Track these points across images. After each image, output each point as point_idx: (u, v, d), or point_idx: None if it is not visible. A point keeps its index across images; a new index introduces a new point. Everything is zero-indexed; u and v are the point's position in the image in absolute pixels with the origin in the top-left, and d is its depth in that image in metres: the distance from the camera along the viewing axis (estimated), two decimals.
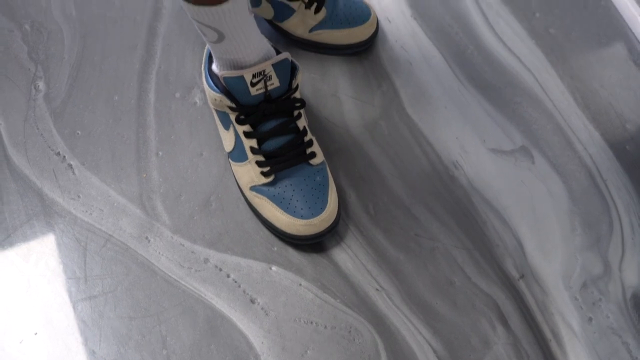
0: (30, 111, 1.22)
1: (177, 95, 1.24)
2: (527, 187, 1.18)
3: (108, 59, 1.28)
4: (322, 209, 1.09)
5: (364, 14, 1.28)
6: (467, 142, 1.21)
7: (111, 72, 1.27)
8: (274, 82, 1.05)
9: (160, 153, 1.19)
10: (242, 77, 1.03)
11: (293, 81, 1.08)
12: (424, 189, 1.17)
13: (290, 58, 1.07)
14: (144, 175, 1.16)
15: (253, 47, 1.04)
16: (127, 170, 1.17)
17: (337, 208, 1.11)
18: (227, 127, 1.13)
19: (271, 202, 1.10)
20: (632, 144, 1.22)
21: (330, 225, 1.09)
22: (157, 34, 1.32)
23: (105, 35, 1.31)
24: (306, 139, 1.12)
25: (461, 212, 1.15)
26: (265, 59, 1.05)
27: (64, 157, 1.17)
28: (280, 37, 1.30)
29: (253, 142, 1.09)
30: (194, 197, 1.15)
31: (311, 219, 1.07)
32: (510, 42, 1.32)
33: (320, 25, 1.27)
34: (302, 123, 1.11)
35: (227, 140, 1.14)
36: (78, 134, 1.20)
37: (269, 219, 1.11)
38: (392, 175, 1.18)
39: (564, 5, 1.37)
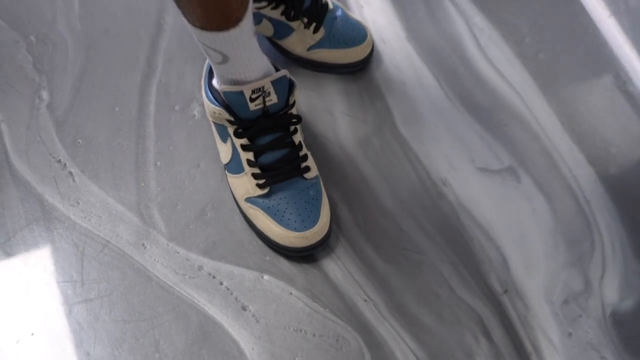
0: (33, 120, 1.24)
1: (177, 107, 1.26)
2: (513, 205, 1.19)
3: (110, 72, 1.29)
4: (315, 222, 1.10)
5: (360, 35, 1.29)
6: (456, 161, 1.22)
7: (113, 84, 1.28)
8: (272, 99, 1.07)
9: (159, 163, 1.20)
10: (241, 93, 1.05)
11: (290, 98, 1.10)
12: (413, 204, 1.18)
13: (288, 75, 1.08)
14: (142, 184, 1.18)
15: (255, 66, 1.06)
16: (125, 179, 1.18)
17: (329, 221, 1.13)
18: (224, 140, 1.15)
19: (265, 214, 1.12)
20: (615, 167, 1.23)
21: (322, 238, 1.11)
22: (158, 48, 1.33)
23: (108, 48, 1.33)
24: (301, 153, 1.14)
25: (448, 227, 1.16)
26: (265, 76, 1.07)
27: (65, 164, 1.19)
28: (279, 54, 1.31)
29: (250, 155, 1.11)
30: (190, 206, 1.16)
31: (304, 232, 1.09)
32: (500, 65, 1.33)
33: (318, 45, 1.28)
34: (297, 138, 1.13)
35: (224, 152, 1.16)
36: (79, 142, 1.22)
37: (262, 230, 1.12)
38: (382, 191, 1.19)
39: (553, 32, 1.38)
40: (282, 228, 1.11)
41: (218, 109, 1.10)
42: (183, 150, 1.22)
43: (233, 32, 0.96)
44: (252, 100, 1.06)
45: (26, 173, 1.19)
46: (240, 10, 0.95)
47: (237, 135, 1.11)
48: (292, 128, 1.13)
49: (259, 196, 1.13)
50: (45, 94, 1.27)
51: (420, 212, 1.18)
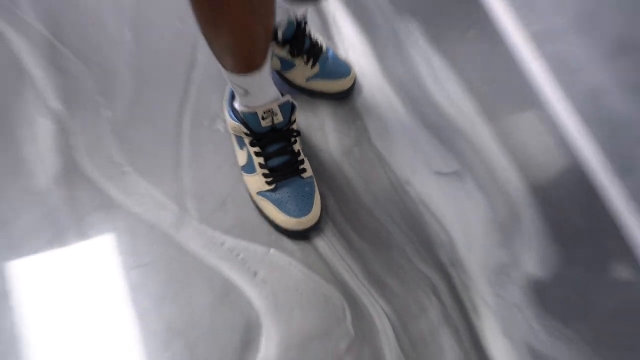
0: (97, 130, 1.28)
1: (205, 123, 1.30)
2: (459, 200, 1.25)
3: (155, 95, 1.33)
4: (309, 211, 1.17)
5: (346, 71, 1.34)
6: (417, 166, 1.27)
7: (157, 105, 1.31)
8: (279, 117, 1.13)
9: (191, 165, 1.25)
10: (255, 113, 1.12)
11: (292, 117, 1.16)
12: (384, 198, 1.24)
13: (290, 100, 1.14)
14: (179, 181, 1.23)
15: (267, 95, 1.11)
16: (166, 177, 1.23)
17: (320, 210, 1.19)
18: (241, 148, 1.21)
19: (272, 204, 1.18)
20: (537, 174, 1.29)
21: (315, 223, 1.18)
22: (191, 78, 1.36)
23: (154, 77, 1.35)
24: (299, 158, 1.20)
25: (410, 216, 1.22)
26: (274, 100, 1.12)
27: (121, 164, 1.24)
28: (284, 83, 1.35)
29: (261, 160, 1.18)
30: (215, 198, 1.22)
31: (301, 218, 1.16)
32: (452, 95, 1.37)
33: (314, 77, 1.33)
34: (297, 147, 1.19)
35: (241, 157, 1.22)
36: (132, 148, 1.26)
37: (270, 216, 1.19)
38: (361, 188, 1.25)
39: (493, 71, 1.42)
40: (285, 215, 1.17)
41: (237, 125, 1.16)
42: (209, 155, 1.26)
43: (255, 76, 1.02)
44: (263, 118, 1.12)
45: (92, 171, 1.23)
46: (261, 60, 1.01)
47: (252, 144, 1.17)
48: (293, 139, 1.19)
49: (267, 191, 1.19)
50: (106, 111, 1.30)
51: (389, 205, 1.24)
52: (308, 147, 1.30)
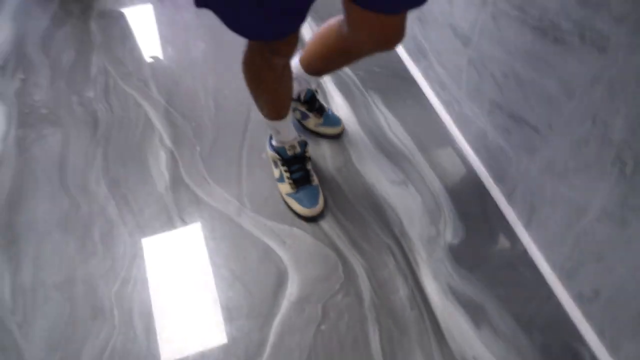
0: (192, 158, 1.23)
1: (256, 154, 1.26)
2: (407, 198, 1.18)
3: (226, 137, 1.29)
4: (316, 204, 1.12)
5: (338, 122, 1.30)
6: (380, 177, 1.22)
7: (227, 143, 1.27)
8: (297, 149, 1.10)
9: (247, 178, 1.21)
10: (284, 147, 1.09)
11: (306, 149, 1.13)
12: (361, 196, 1.18)
13: (304, 139, 1.11)
14: (240, 186, 1.19)
15: (290, 135, 1.08)
16: (232, 185, 1.19)
17: (323, 204, 1.14)
18: (276, 167, 1.17)
19: (295, 201, 1.13)
20: (451, 181, 1.22)
21: (320, 212, 1.13)
22: (247, 129, 1.31)
23: (226, 127, 1.31)
24: (311, 173, 1.15)
25: (376, 206, 1.16)
26: (294, 139, 1.09)
27: (205, 178, 1.20)
28: (301, 127, 1.31)
29: (288, 174, 1.13)
30: (261, 197, 1.17)
31: (311, 209, 1.11)
32: (399, 135, 1.31)
33: (320, 125, 1.29)
34: (309, 166, 1.15)
35: (276, 173, 1.17)
36: (212, 168, 1.21)
37: (293, 208, 1.13)
38: (348, 191, 1.20)
39: (422, 122, 1.35)
40: (302, 207, 1.12)
41: (274, 154, 1.13)
42: (258, 172, 1.22)
43: (282, 121, 1.00)
44: (288, 150, 1.09)
45: (189, 182, 1.19)
46: (286, 112, 0.99)
47: (282, 165, 1.13)
48: (306, 162, 1.15)
49: (291, 193, 1.14)
50: (197, 147, 1.27)
51: (364, 200, 1.18)
52: (315, 167, 1.24)
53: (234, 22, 0.68)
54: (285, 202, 1.16)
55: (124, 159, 1.22)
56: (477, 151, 1.23)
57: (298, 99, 1.21)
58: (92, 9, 1.57)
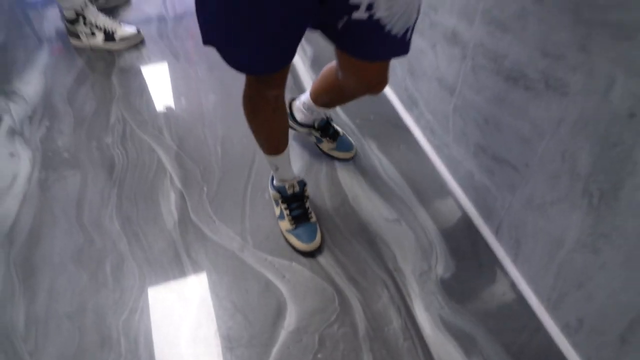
0: (200, 198, 1.29)
1: (259, 193, 1.32)
2: (398, 234, 1.23)
3: (232, 179, 1.35)
4: (314, 240, 1.17)
5: (350, 147, 1.39)
6: (375, 215, 1.26)
7: (232, 185, 1.33)
8: (297, 188, 1.16)
9: (250, 216, 1.26)
10: (284, 186, 1.15)
11: (305, 188, 1.19)
12: (357, 233, 1.23)
13: (303, 180, 1.17)
14: (243, 224, 1.25)
15: (290, 174, 1.14)
16: (236, 223, 1.25)
17: (320, 240, 1.18)
18: (277, 205, 1.22)
19: (294, 237, 1.17)
20: (441, 218, 1.26)
21: (317, 247, 1.17)
22: (252, 169, 1.37)
23: (231, 170, 1.38)
24: (309, 210, 1.20)
25: (371, 242, 1.21)
26: (293, 179, 1.16)
27: (212, 217, 1.26)
28: (318, 150, 1.39)
29: (287, 212, 1.18)
30: (262, 234, 1.22)
31: (309, 244, 1.16)
32: (393, 177, 1.37)
33: (333, 149, 1.38)
34: (307, 205, 1.20)
35: (277, 211, 1.22)
36: (217, 208, 1.27)
37: (292, 244, 1.18)
38: (344, 229, 1.24)
39: (415, 165, 1.40)
40: (300, 242, 1.17)
41: (275, 193, 1.19)
42: (261, 211, 1.28)
43: (280, 156, 1.06)
44: (288, 189, 1.15)
45: (196, 220, 1.25)
46: (283, 148, 1.06)
47: (283, 203, 1.19)
48: (305, 200, 1.20)
49: (290, 229, 1.18)
50: (204, 188, 1.33)
51: (359, 238, 1.23)
52: (314, 205, 1.29)
53: (232, 58, 0.78)
54: (285, 239, 1.20)
55: (137, 198, 1.30)
56: (465, 191, 1.30)
57: (312, 126, 1.31)
58: (115, 65, 1.72)
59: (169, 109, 1.57)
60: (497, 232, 1.18)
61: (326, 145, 1.37)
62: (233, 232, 1.23)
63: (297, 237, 1.17)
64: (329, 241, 1.22)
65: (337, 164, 1.41)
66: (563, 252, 0.95)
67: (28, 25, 1.84)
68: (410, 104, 1.50)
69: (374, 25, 0.74)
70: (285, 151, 1.09)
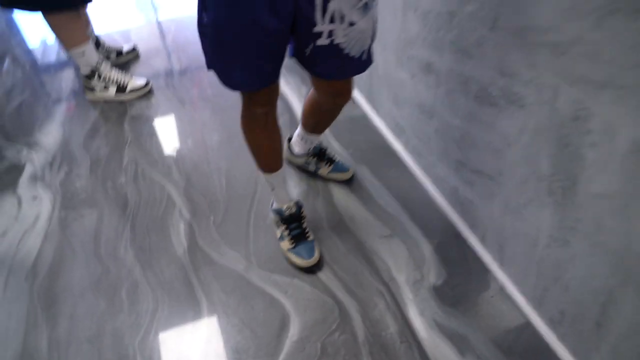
0: (207, 226, 1.37)
1: (261, 219, 1.39)
2: (392, 247, 1.28)
3: (236, 208, 1.42)
4: (313, 256, 1.23)
5: (346, 168, 1.47)
6: (370, 233, 1.33)
7: (237, 213, 1.41)
8: (294, 209, 1.25)
9: (254, 239, 1.33)
10: (282, 208, 1.24)
11: (302, 210, 1.27)
12: (354, 252, 1.29)
13: (299, 201, 1.25)
14: (247, 248, 1.32)
15: (286, 195, 1.22)
16: (241, 246, 1.32)
17: (319, 257, 1.24)
18: (277, 227, 1.29)
19: (294, 255, 1.24)
20: (433, 234, 1.32)
21: (316, 263, 1.23)
22: (255, 197, 1.44)
23: (236, 200, 1.44)
24: (307, 230, 1.26)
25: (367, 257, 1.27)
26: (290, 201, 1.24)
27: (218, 241, 1.33)
28: (316, 176, 1.47)
29: (287, 232, 1.25)
30: (265, 255, 1.29)
31: (308, 260, 1.22)
32: (387, 200, 1.42)
33: (330, 172, 1.45)
34: (305, 224, 1.27)
35: (278, 233, 1.29)
36: (224, 234, 1.36)
37: (293, 261, 1.24)
38: (342, 247, 1.30)
39: (403, 189, 1.49)
40: (300, 259, 1.23)
41: (275, 216, 1.27)
42: (263, 234, 1.34)
43: (275, 174, 1.16)
44: (286, 210, 1.23)
45: (203, 245, 1.33)
46: (277, 166, 1.16)
47: (282, 224, 1.27)
48: (302, 221, 1.27)
49: (290, 248, 1.25)
50: (211, 217, 1.41)
51: (356, 254, 1.29)
52: (313, 226, 1.35)
53: (225, 79, 0.95)
54: (286, 257, 1.26)
55: (149, 230, 1.40)
56: (452, 205, 1.38)
57: (307, 154, 1.42)
58: (127, 114, 1.88)
59: (176, 149, 1.69)
60: (483, 240, 1.27)
61: (324, 170, 1.45)
62: (238, 255, 1.29)
63: (297, 254, 1.24)
64: (327, 258, 1.28)
65: (333, 189, 1.48)
66: (539, 250, 1.04)
67: (46, 86, 2.02)
68: (399, 131, 1.61)
69: (335, 49, 0.90)
70: (280, 171, 1.19)
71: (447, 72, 1.21)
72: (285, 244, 1.27)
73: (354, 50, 0.93)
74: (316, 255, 1.24)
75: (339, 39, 0.89)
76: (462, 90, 1.17)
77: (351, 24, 0.88)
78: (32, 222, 1.44)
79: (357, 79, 1.35)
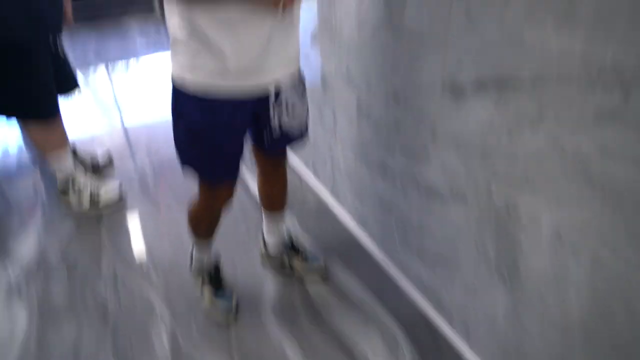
0: (186, 328, 1.41)
1: (248, 313, 1.46)
2: (370, 338, 1.33)
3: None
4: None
5: (318, 258, 1.55)
6: (349, 320, 1.39)
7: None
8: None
9: (238, 337, 1.41)
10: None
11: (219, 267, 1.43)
12: (333, 338, 1.34)
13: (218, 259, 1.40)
14: (230, 344, 1.39)
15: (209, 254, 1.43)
16: (224, 343, 1.34)
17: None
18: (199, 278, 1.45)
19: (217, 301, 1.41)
20: (409, 319, 1.44)
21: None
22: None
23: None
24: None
25: (345, 346, 1.31)
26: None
27: (198, 341, 1.37)
28: (292, 269, 1.55)
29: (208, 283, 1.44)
30: (251, 354, 1.36)
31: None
32: (356, 292, 1.56)
33: (303, 261, 1.54)
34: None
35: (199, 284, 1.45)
36: (201, 335, 1.39)
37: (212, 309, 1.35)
38: (320, 339, 1.35)
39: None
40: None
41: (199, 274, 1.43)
42: (247, 330, 1.44)
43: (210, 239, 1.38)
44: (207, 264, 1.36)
45: (182, 344, 1.36)
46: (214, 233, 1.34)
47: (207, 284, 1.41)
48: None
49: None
50: (193, 319, 1.49)
51: (334, 342, 1.34)
52: (287, 316, 1.44)
53: (202, 173, 1.16)
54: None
55: (130, 337, 1.41)
56: (419, 290, 1.47)
57: (281, 252, 1.52)
58: (102, 222, 1.95)
59: (153, 251, 1.74)
60: (450, 322, 1.36)
61: (299, 265, 1.51)
62: (219, 350, 1.33)
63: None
64: (306, 348, 1.34)
65: (308, 286, 1.53)
66: (500, 327, 1.15)
67: (17, 192, 2.08)
68: (363, 222, 1.74)
69: (281, 132, 1.19)
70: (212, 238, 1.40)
71: (400, 170, 1.39)
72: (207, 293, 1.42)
73: (292, 130, 1.20)
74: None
75: (285, 125, 1.18)
76: (414, 187, 1.34)
77: (294, 108, 1.15)
78: (7, 339, 1.44)
79: (321, 172, 1.63)
